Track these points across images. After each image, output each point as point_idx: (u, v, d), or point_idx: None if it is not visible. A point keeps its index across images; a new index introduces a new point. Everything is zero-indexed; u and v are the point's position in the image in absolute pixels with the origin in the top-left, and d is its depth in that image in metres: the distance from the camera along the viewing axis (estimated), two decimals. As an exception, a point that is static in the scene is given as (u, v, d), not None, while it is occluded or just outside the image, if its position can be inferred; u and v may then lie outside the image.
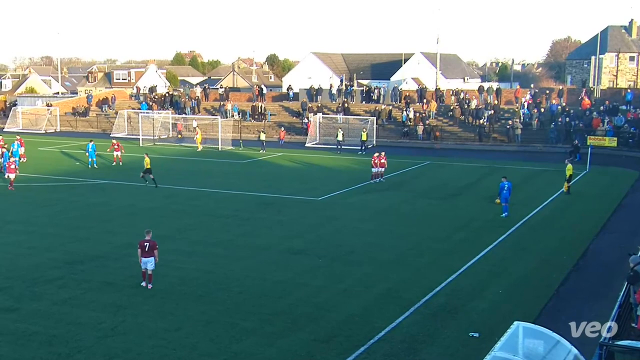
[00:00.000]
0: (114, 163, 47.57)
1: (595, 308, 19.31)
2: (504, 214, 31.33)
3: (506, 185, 31.67)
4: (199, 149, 57.27)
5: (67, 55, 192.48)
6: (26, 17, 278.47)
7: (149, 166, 39.60)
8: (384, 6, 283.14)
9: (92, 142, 47.18)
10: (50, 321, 18.53)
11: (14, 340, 17.33)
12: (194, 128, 68.12)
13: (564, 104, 61.95)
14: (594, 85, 74.74)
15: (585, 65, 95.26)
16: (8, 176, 37.85)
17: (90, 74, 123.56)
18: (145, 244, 21.08)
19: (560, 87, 71.17)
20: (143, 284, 21.25)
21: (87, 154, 46.62)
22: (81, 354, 16.56)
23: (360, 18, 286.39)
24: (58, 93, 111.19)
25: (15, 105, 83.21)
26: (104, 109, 78.44)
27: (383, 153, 41.63)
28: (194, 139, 59.50)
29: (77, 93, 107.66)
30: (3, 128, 71.72)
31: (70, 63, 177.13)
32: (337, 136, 58.05)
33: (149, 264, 21.06)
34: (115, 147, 48.21)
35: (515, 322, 12.43)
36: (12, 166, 38.07)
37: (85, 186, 39.85)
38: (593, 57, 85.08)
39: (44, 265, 23.74)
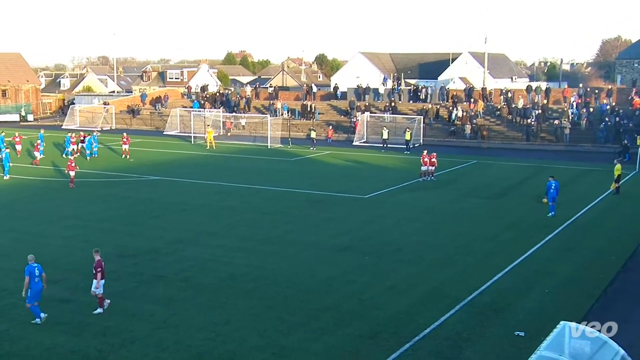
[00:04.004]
0: (124, 156, 49.58)
1: (644, 309, 19.16)
2: (550, 214, 31.09)
3: (553, 185, 31.38)
4: (207, 147, 57.06)
5: (122, 55, 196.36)
6: (84, 19, 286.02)
7: None
8: (431, 6, 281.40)
9: (90, 136, 51.43)
10: (104, 312, 19.03)
11: (70, 330, 17.92)
12: (243, 126, 69.13)
13: (614, 104, 60.93)
14: (644, 85, 73.16)
15: (636, 65, 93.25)
16: (68, 173, 38.82)
17: (144, 74, 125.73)
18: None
19: (610, 87, 69.92)
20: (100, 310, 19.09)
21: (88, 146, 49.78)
22: (134, 344, 17.06)
23: (408, 18, 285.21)
24: (114, 92, 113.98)
25: (73, 103, 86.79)
26: (157, 107, 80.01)
27: (434, 153, 41.76)
28: (204, 137, 59.65)
29: (131, 92, 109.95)
30: (61, 125, 73.95)
31: (125, 63, 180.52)
32: (382, 135, 58.26)
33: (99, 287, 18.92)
34: (124, 140, 50.30)
35: (562, 322, 12.37)
36: (73, 164, 39.02)
37: (138, 182, 40.73)
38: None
39: (98, 258, 24.39)
